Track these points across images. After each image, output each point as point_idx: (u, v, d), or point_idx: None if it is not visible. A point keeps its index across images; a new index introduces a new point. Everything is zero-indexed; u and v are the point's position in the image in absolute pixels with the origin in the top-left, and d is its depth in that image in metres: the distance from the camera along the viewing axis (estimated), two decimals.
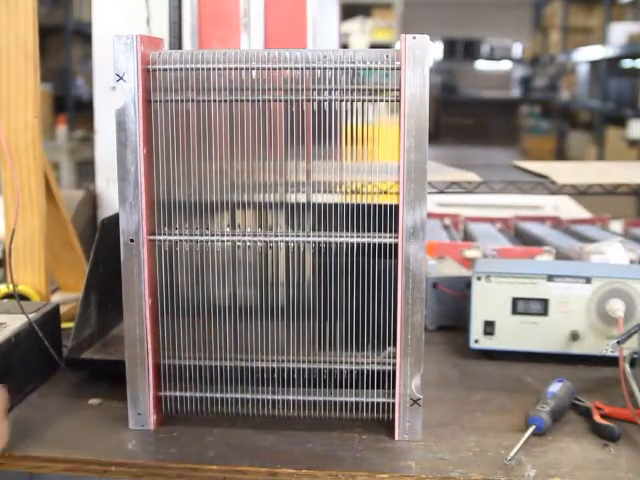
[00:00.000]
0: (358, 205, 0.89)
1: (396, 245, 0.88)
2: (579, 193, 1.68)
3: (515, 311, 1.13)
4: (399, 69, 0.85)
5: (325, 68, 0.86)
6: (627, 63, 7.47)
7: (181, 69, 0.87)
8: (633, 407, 0.92)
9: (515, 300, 1.13)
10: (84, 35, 6.10)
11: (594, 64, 7.84)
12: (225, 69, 0.87)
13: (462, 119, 11.20)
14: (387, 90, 0.86)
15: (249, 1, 1.56)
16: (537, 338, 1.13)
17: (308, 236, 0.90)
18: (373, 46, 7.65)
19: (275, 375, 0.92)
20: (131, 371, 0.92)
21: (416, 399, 0.90)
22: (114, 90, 0.87)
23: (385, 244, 0.89)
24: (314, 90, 0.87)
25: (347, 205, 0.89)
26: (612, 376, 1.03)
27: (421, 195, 0.86)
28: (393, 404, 0.91)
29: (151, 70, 0.87)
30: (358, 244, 0.89)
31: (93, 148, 1.82)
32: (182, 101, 0.88)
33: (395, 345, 0.89)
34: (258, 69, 0.87)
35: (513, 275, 1.13)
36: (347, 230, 0.90)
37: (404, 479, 0.83)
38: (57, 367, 1.08)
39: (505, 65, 11.63)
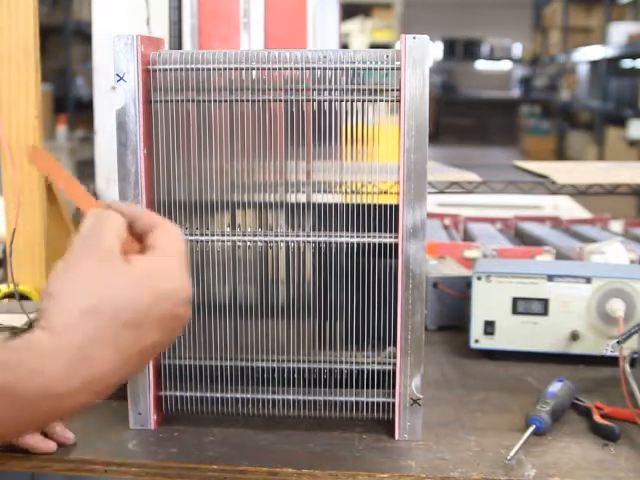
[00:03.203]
0: (358, 205, 0.89)
1: (396, 245, 0.88)
2: (579, 193, 1.68)
3: (515, 311, 1.13)
4: (399, 69, 0.85)
5: (325, 68, 0.86)
6: (627, 63, 7.47)
7: (181, 69, 0.87)
8: (633, 407, 0.92)
9: (515, 300, 1.13)
10: (84, 35, 6.10)
11: (594, 64, 7.85)
12: (225, 69, 0.87)
13: (462, 119, 11.21)
14: (387, 90, 0.86)
15: (249, 1, 1.56)
16: (537, 338, 1.13)
17: (308, 236, 0.90)
18: (373, 46, 7.66)
19: (275, 375, 0.92)
20: None
21: (416, 399, 0.90)
22: (114, 90, 0.87)
23: (385, 244, 0.89)
24: (314, 90, 0.87)
25: (347, 205, 0.89)
26: (612, 376, 1.03)
27: (421, 195, 0.86)
28: (393, 404, 0.91)
29: (151, 70, 0.87)
30: (358, 244, 0.89)
31: (93, 148, 1.82)
32: (182, 101, 0.88)
33: (395, 345, 0.89)
34: (258, 69, 0.87)
35: (513, 275, 1.13)
36: (347, 230, 0.90)
37: (404, 479, 0.83)
38: None
39: (505, 65, 11.64)
